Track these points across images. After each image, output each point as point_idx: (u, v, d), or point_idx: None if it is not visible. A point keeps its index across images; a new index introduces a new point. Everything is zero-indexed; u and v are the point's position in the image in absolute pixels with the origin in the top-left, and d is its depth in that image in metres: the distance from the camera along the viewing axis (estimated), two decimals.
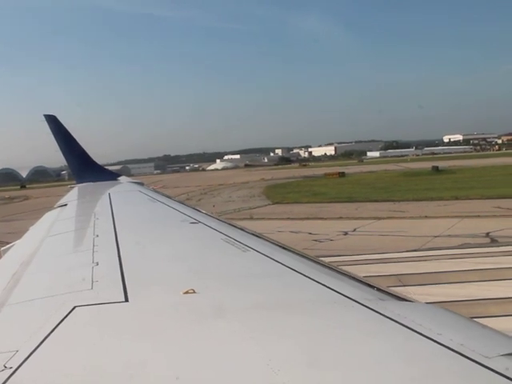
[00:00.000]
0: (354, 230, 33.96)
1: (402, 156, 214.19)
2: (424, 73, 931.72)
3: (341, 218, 40.34)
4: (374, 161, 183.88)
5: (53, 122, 17.89)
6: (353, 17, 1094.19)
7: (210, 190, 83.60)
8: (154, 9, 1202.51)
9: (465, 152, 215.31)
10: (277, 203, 56.16)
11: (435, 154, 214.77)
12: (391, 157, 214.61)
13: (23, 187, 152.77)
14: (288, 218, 41.56)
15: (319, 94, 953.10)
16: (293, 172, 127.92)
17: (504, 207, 39.89)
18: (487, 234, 29.28)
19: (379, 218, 38.69)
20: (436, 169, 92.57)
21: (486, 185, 60.10)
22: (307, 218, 40.98)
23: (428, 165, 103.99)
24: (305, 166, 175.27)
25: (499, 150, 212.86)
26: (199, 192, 79.86)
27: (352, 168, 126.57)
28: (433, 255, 24.71)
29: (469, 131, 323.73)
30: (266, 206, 54.34)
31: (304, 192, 67.10)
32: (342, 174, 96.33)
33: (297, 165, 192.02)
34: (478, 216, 36.31)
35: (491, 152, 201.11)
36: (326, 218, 40.72)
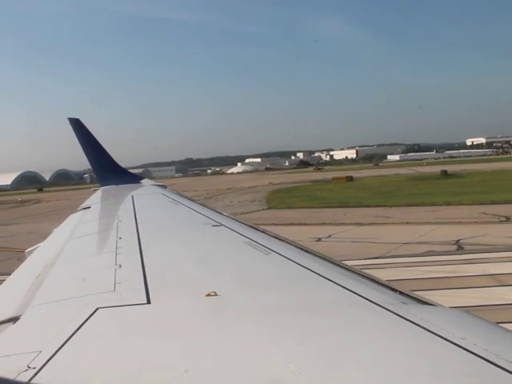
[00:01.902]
0: (329, 237, 33.76)
1: (422, 159, 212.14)
2: (448, 75, 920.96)
3: (323, 223, 40.13)
4: (390, 164, 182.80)
5: (77, 125, 18.20)
6: (375, 19, 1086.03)
7: (215, 195, 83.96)
8: (173, 13, 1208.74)
9: (485, 155, 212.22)
10: (271, 208, 56.14)
11: (454, 157, 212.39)
12: (411, 160, 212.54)
13: (40, 190, 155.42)
14: (272, 224, 41.29)
15: (342, 97, 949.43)
16: (305, 176, 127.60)
17: (489, 213, 39.23)
18: (457, 242, 28.81)
19: (360, 224, 38.40)
20: (445, 173, 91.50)
21: (487, 190, 59.24)
22: (291, 224, 40.81)
23: (445, 168, 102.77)
24: (319, 169, 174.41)
25: None
26: (204, 196, 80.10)
27: (365, 172, 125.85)
28: (390, 263, 24.42)
29: (493, 134, 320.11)
30: (259, 211, 54.30)
31: (304, 197, 66.87)
32: (349, 179, 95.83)
33: (312, 169, 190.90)
34: (459, 222, 35.78)
35: (510, 155, 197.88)
36: (309, 224, 40.55)
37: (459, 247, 27.71)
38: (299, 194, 73.35)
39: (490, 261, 23.66)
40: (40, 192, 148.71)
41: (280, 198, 66.91)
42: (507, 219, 36.44)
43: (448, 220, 37.17)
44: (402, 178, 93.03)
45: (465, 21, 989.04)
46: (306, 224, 40.71)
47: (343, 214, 46.19)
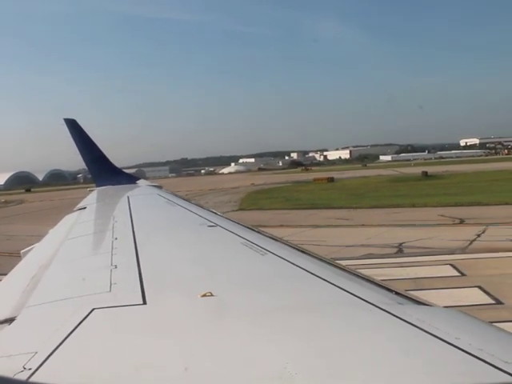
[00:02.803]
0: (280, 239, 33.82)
1: (414, 160, 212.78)
2: (443, 76, 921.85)
3: (282, 225, 40.13)
4: (379, 165, 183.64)
5: (73, 125, 18.22)
6: (370, 20, 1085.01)
7: (196, 195, 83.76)
8: (173, 13, 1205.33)
9: (473, 156, 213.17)
10: (241, 210, 56.15)
11: (443, 158, 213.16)
12: (402, 161, 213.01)
13: (28, 191, 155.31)
14: None
15: (337, 97, 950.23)
16: (291, 176, 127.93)
17: (447, 215, 39.40)
18: (400, 245, 28.88)
19: (317, 226, 38.53)
20: (425, 174, 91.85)
21: (459, 191, 59.64)
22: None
23: (429, 169, 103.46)
24: (307, 170, 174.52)
25: (508, 153, 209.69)
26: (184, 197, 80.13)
27: (350, 173, 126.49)
28: None
29: (486, 135, 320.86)
30: (228, 212, 54.06)
31: (280, 198, 66.94)
32: (330, 180, 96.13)
33: (300, 169, 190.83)
34: (413, 225, 35.88)
35: (499, 156, 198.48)
36: (267, 226, 40.33)
37: (398, 250, 27.82)
38: (276, 195, 73.49)
39: (421, 264, 23.74)
40: (28, 192, 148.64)
41: (255, 200, 66.95)
42: (461, 221, 36.65)
43: (403, 222, 37.32)
44: (382, 179, 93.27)
45: (462, 22, 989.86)
46: (264, 226, 40.67)
47: (307, 215, 46.35)
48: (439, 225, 35.60)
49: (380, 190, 71.35)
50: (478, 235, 30.33)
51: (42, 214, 68.57)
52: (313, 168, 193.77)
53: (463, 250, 26.45)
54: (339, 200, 58.58)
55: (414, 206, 48.08)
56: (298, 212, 49.58)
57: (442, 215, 39.87)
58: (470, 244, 28.02)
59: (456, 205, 46.30)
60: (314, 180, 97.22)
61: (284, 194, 74.70)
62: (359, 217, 42.45)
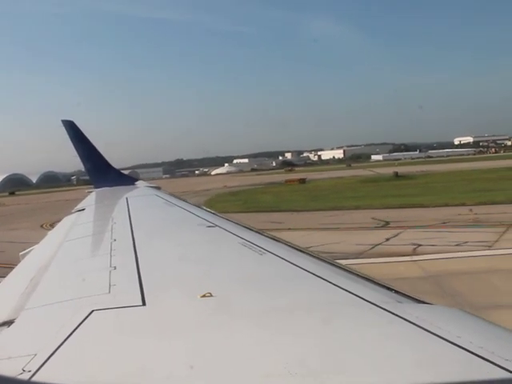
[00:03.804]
0: None
1: (405, 159, 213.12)
2: (438, 75, 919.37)
3: None
4: (362, 165, 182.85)
5: (71, 127, 18.26)
6: (364, 19, 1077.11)
7: None
8: (162, 13, 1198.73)
9: (463, 155, 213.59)
10: None
11: (431, 157, 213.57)
12: (392, 160, 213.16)
13: (12, 194, 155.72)
14: None
15: (333, 97, 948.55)
16: (271, 177, 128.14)
17: (378, 218, 39.38)
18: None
19: None
20: (396, 175, 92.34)
21: (416, 192, 60.63)
22: None
23: (408, 170, 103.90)
24: (290, 171, 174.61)
25: (496, 152, 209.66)
26: None
27: (330, 173, 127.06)
28: None
29: (481, 133, 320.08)
30: None
31: (241, 201, 66.75)
32: (302, 181, 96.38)
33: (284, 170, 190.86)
34: (338, 228, 35.93)
35: (486, 155, 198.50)
36: None
37: None
38: (241, 197, 73.49)
39: None
40: (11, 195, 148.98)
41: (216, 202, 66.54)
42: (385, 224, 36.67)
43: (331, 226, 37.34)
44: (353, 181, 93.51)
45: (455, 20, 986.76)
46: None
47: (248, 218, 46.04)
48: (361, 228, 35.67)
49: (343, 191, 71.44)
50: (388, 239, 30.31)
51: (6, 219, 69.06)
52: (296, 169, 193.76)
53: (358, 255, 26.32)
54: (294, 202, 58.60)
55: (357, 208, 48.10)
56: (242, 215, 49.13)
57: (373, 218, 39.83)
58: (372, 248, 27.96)
59: (400, 207, 46.61)
60: (286, 181, 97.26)
61: (248, 196, 74.85)
62: (294, 220, 42.43)
